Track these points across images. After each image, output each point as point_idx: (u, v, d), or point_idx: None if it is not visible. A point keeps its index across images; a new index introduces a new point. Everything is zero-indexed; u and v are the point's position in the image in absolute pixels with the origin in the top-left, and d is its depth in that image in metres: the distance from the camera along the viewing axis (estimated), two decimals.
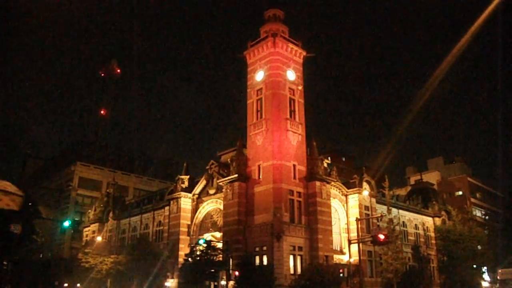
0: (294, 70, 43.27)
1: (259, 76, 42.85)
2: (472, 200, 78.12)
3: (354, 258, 40.74)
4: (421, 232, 54.23)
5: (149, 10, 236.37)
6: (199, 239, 40.45)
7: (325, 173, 41.68)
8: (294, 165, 39.56)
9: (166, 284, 42.78)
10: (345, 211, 44.29)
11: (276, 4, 46.07)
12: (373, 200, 45.53)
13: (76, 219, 69.33)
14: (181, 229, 45.77)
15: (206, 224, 45.60)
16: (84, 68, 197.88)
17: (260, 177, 39.39)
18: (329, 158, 49.94)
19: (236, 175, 39.73)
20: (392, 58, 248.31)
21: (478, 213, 77.69)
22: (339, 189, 44.18)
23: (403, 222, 51.66)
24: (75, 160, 77.76)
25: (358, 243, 36.84)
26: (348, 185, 45.01)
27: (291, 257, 36.79)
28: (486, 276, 53.55)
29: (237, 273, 35.03)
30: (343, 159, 77.38)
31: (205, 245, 36.95)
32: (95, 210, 63.41)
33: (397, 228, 45.17)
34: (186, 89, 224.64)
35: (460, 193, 79.39)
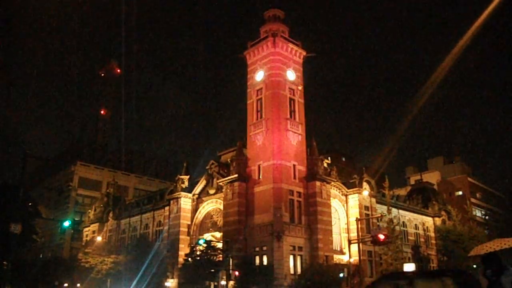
0: (294, 70, 43.28)
1: (259, 76, 42.87)
2: (472, 200, 78.03)
3: (354, 258, 40.73)
4: (421, 232, 54.24)
5: (149, 10, 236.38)
6: (199, 239, 40.46)
7: (325, 173, 41.70)
8: (294, 165, 39.57)
9: (166, 284, 42.78)
10: (345, 211, 44.30)
11: (276, 4, 46.10)
12: (373, 200, 45.54)
13: (76, 219, 69.25)
14: (181, 229, 45.75)
15: (206, 224, 45.60)
16: (84, 68, 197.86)
17: (260, 177, 39.40)
18: (329, 158, 49.91)
19: (236, 175, 39.74)
20: (393, 57, 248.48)
21: (478, 213, 77.66)
22: (339, 189, 44.19)
23: (403, 222, 51.67)
24: (75, 160, 77.75)
25: (358, 243, 36.82)
26: (348, 185, 45.02)
27: (291, 257, 36.82)
28: None
29: (237, 273, 35.06)
30: (343, 159, 77.33)
31: (205, 245, 36.97)
32: (95, 210, 63.38)
33: (397, 228, 45.17)
34: (186, 89, 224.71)
35: (460, 193, 79.38)
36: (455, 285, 8.88)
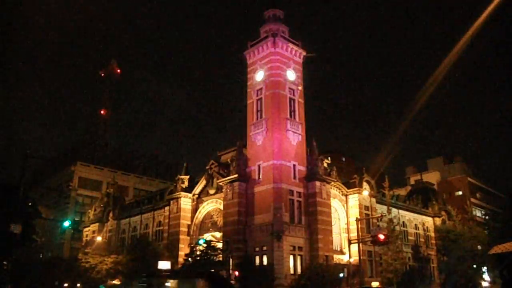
0: (294, 70, 43.27)
1: (259, 76, 42.87)
2: (472, 200, 78.12)
3: (354, 258, 40.73)
4: (421, 232, 54.23)
5: (149, 10, 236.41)
6: (199, 239, 40.44)
7: (325, 173, 41.70)
8: (294, 165, 39.56)
9: (166, 284, 42.69)
10: (345, 211, 44.30)
11: (276, 4, 46.06)
12: (373, 200, 45.55)
13: (76, 219, 69.29)
14: (181, 229, 45.75)
15: (206, 224, 45.58)
16: (84, 68, 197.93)
17: (260, 177, 39.39)
18: (329, 158, 49.88)
19: (236, 175, 39.73)
20: (393, 57, 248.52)
21: (478, 213, 77.69)
22: (339, 189, 44.19)
23: (403, 222, 51.68)
24: (75, 160, 77.69)
25: (358, 243, 36.83)
26: (348, 185, 45.03)
27: (291, 257, 36.82)
28: (486, 276, 53.55)
29: (237, 273, 35.04)
30: (343, 159, 77.38)
31: (205, 245, 36.94)
32: (95, 210, 63.37)
33: (397, 228, 45.17)
34: (186, 89, 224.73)
35: (460, 193, 79.42)
36: (208, 286, 8.91)
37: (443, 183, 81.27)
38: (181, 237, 45.46)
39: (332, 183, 42.00)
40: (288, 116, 40.91)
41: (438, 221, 55.92)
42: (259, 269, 35.66)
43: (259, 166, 39.83)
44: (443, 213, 57.28)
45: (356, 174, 46.79)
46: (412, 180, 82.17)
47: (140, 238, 48.26)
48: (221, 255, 36.78)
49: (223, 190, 41.40)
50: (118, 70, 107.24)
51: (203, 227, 45.70)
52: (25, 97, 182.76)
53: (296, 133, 40.76)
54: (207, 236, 42.42)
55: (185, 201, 46.52)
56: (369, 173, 46.93)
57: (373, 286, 35.18)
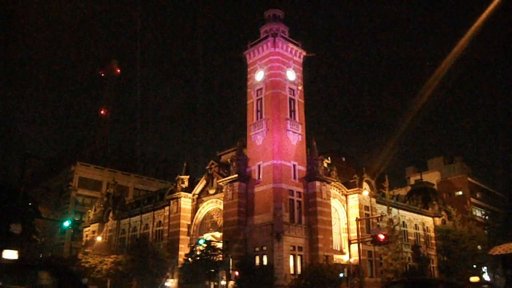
0: (294, 70, 43.26)
1: (259, 76, 42.85)
2: (472, 200, 78.04)
3: (354, 258, 40.69)
4: (421, 232, 54.20)
5: (149, 9, 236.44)
6: (199, 239, 40.46)
7: (325, 173, 41.68)
8: (294, 165, 39.55)
9: (166, 284, 42.75)
10: (345, 211, 44.29)
11: (276, 4, 46.06)
12: (373, 200, 45.54)
13: (76, 219, 69.21)
14: (181, 229, 45.76)
15: (206, 224, 45.59)
16: (84, 68, 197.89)
17: (260, 177, 39.38)
18: (329, 158, 49.85)
19: (236, 175, 39.73)
20: (393, 57, 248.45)
21: (478, 213, 77.65)
22: (339, 189, 44.17)
23: (403, 222, 51.66)
24: (75, 160, 77.72)
25: (358, 243, 36.78)
26: (348, 185, 45.01)
27: (291, 257, 36.81)
28: (486, 276, 53.51)
29: (237, 273, 35.05)
30: (343, 159, 77.23)
31: (205, 245, 36.96)
32: (95, 210, 63.34)
33: (397, 228, 45.15)
34: (186, 89, 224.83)
35: (460, 193, 79.38)
36: (51, 277, 8.97)
37: (443, 183, 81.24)
38: (181, 237, 45.47)
39: (332, 183, 41.99)
40: (288, 116, 40.90)
41: (438, 221, 55.89)
42: (259, 269, 35.66)
43: (259, 166, 39.82)
44: (443, 213, 57.26)
45: (356, 174, 46.77)
46: (412, 180, 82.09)
47: (140, 238, 48.26)
48: (221, 255, 36.79)
49: (223, 190, 41.40)
50: (118, 70, 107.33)
51: (203, 227, 45.70)
52: (25, 97, 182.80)
53: (296, 133, 40.76)
54: (207, 236, 42.42)
55: (185, 201, 46.51)
56: (369, 173, 46.92)
57: (473, 281, 35.30)
